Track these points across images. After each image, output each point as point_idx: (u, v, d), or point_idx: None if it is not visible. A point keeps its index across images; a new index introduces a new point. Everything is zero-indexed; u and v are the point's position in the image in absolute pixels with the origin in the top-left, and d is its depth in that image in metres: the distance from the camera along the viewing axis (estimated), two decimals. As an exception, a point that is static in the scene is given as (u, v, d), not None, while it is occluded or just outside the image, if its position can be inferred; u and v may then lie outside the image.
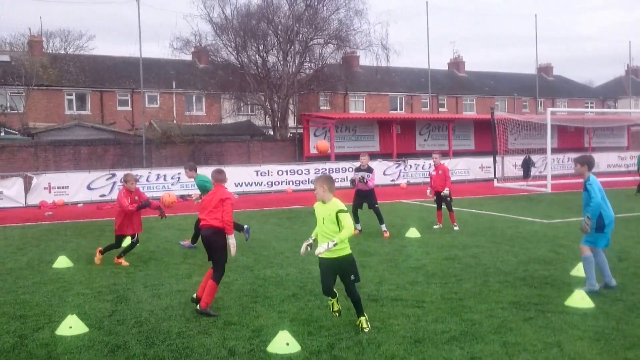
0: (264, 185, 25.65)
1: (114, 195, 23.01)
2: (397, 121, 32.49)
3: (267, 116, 35.36)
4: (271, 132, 34.96)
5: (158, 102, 46.22)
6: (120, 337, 6.96)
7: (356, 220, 14.08)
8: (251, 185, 25.33)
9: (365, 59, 50.29)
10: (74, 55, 49.73)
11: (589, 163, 8.81)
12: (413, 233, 13.95)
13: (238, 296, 8.84)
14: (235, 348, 6.62)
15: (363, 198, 14.27)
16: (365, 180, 14.10)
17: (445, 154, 32.24)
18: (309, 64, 35.47)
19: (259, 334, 7.02)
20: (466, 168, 30.11)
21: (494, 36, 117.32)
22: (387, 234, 13.92)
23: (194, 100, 46.83)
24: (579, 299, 8.05)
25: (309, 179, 26.57)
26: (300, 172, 26.55)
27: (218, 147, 29.31)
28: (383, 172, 28.02)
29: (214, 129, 35.51)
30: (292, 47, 33.71)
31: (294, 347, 6.49)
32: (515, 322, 7.35)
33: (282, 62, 33.75)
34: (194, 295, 8.22)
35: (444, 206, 15.02)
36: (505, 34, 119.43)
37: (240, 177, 25.37)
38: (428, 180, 29.02)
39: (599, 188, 8.61)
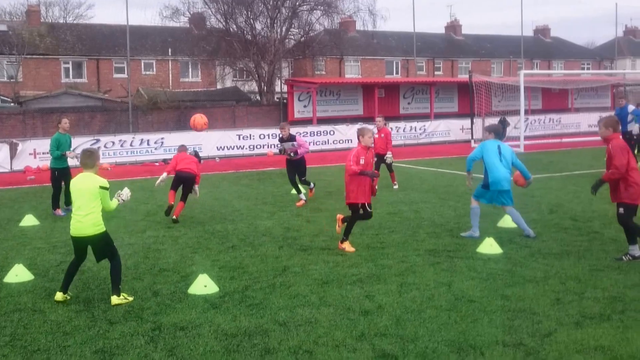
0: (246, 148, 26.28)
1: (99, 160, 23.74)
2: (380, 85, 32.88)
3: (255, 82, 35.81)
4: (260, 98, 35.45)
5: (154, 69, 46.68)
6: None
7: (297, 190, 13.55)
8: (233, 149, 25.95)
9: (359, 24, 50.72)
10: (71, 24, 50.07)
11: (495, 131, 9.64)
12: (369, 191, 14.64)
13: (181, 247, 9.60)
14: (160, 290, 7.39)
15: (294, 168, 13.65)
16: (290, 153, 13.44)
17: (426, 116, 32.75)
18: (297, 30, 35.71)
19: (186, 279, 7.78)
20: (447, 130, 30.62)
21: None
22: (300, 203, 13.21)
23: (190, 67, 47.28)
24: (488, 246, 8.78)
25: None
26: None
27: (203, 112, 29.74)
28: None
29: (200, 95, 36.01)
30: (279, 13, 34.00)
31: (212, 288, 7.25)
32: (422, 267, 8.09)
33: (269, 29, 34.05)
34: (174, 217, 11.49)
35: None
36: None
37: (223, 141, 26.00)
38: (409, 142, 29.99)
39: (485, 150, 9.65)
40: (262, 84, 34.47)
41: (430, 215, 11.72)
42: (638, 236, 8.15)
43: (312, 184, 14.16)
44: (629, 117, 17.52)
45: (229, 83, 43.17)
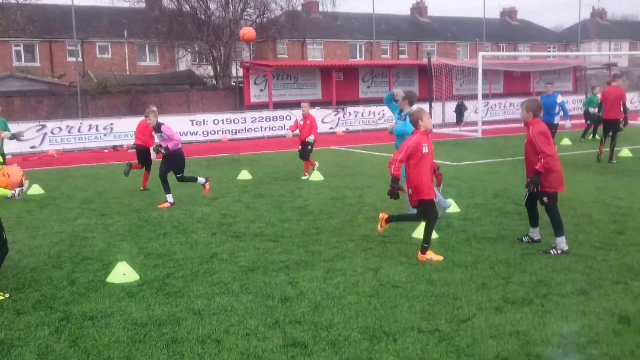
0: (200, 134, 25.83)
1: (45, 147, 23.13)
2: (338, 68, 32.63)
3: (210, 65, 35.25)
4: (215, 82, 34.90)
5: (110, 52, 45.60)
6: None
7: (166, 189, 11.58)
8: (187, 134, 25.45)
9: (322, 6, 50.34)
10: (22, 4, 48.50)
11: (409, 98, 9.66)
12: (316, 176, 14.42)
13: (111, 235, 9.26)
14: (78, 279, 7.06)
15: (167, 164, 11.62)
16: (160, 150, 11.58)
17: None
18: (253, 10, 35.18)
19: (108, 267, 7.46)
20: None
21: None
22: (164, 205, 11.41)
23: (147, 50, 46.29)
24: (418, 231, 8.62)
25: (245, 128, 26.85)
26: (236, 120, 26.77)
27: (156, 97, 29.27)
28: (321, 120, 28.33)
29: (152, 79, 35.30)
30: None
31: (131, 277, 6.96)
32: (353, 252, 7.91)
33: (223, 9, 33.45)
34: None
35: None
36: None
37: (176, 127, 25.33)
38: (368, 127, 29.81)
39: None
40: (218, 68, 33.93)
41: (373, 200, 11.55)
42: (534, 222, 8.08)
43: (202, 179, 12.00)
44: (556, 109, 16.66)
45: (186, 67, 42.48)
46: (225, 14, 33.43)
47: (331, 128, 28.36)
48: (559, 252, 7.55)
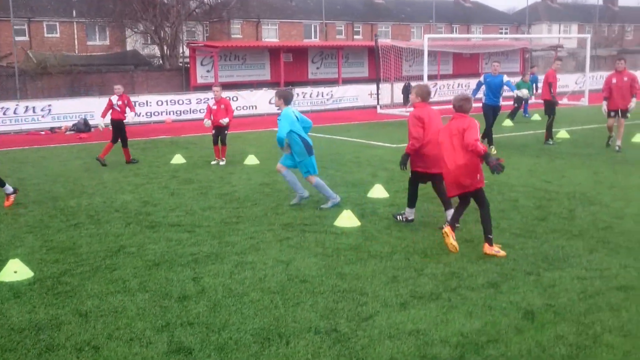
0: (143, 116, 24.99)
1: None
2: (286, 49, 32.04)
3: (157, 46, 34.29)
4: (162, 62, 33.96)
5: (58, 31, 44.06)
6: None
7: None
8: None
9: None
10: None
11: (284, 97, 9.13)
12: (251, 160, 14.03)
13: (19, 227, 8.73)
14: (-35, 278, 6.56)
15: None
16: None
17: (336, 82, 32.30)
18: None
19: (3, 264, 6.97)
20: (355, 95, 30.25)
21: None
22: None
23: (97, 30, 44.84)
24: (346, 219, 8.36)
25: (190, 109, 26.18)
26: (181, 102, 26.05)
27: (99, 78, 28.30)
28: (269, 101, 27.85)
29: (96, 59, 34.19)
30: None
31: (24, 274, 6.51)
32: (268, 243, 7.59)
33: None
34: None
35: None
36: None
37: (118, 108, 24.69)
38: (316, 108, 29.41)
39: (289, 121, 9.17)
40: (165, 48, 33.03)
41: (303, 185, 11.21)
42: (412, 203, 8.33)
43: (10, 189, 10.13)
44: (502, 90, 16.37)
45: (139, 47, 41.36)
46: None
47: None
48: (403, 219, 8.23)
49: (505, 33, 63.86)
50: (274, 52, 31.92)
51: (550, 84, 15.58)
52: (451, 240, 6.91)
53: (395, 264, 6.69)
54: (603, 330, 4.86)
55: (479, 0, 70.50)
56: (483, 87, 15.13)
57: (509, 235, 7.69)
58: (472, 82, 36.32)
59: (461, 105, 7.29)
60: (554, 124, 15.89)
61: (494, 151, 13.70)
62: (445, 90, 33.82)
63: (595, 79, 37.46)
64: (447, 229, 7.00)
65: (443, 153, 7.24)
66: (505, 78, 14.88)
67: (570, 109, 24.23)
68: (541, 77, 20.72)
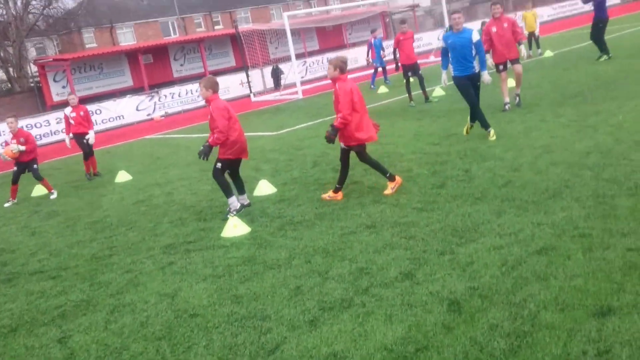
0: (-3, 147, 22.70)
1: None
2: (143, 50, 30.27)
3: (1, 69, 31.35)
4: (10, 86, 31.12)
5: None
6: None
7: None
8: (-20, 150, 22.27)
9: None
10: None
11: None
12: (123, 176, 12.74)
13: None
14: None
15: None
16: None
17: (201, 76, 30.94)
18: (37, 2, 31.59)
19: None
20: (225, 87, 29.05)
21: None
22: None
23: None
24: (232, 227, 7.45)
25: (51, 131, 24.05)
26: (38, 124, 23.83)
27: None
28: (136, 108, 26.17)
29: None
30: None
31: None
32: (149, 274, 6.55)
33: (3, 4, 29.65)
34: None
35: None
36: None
37: (-35, 144, 22.19)
38: (187, 107, 27.95)
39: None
40: (11, 70, 30.25)
41: (183, 196, 10.17)
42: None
43: None
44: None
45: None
46: (7, 10, 29.66)
47: (148, 115, 26.25)
48: (233, 212, 7.87)
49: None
50: (132, 56, 30.08)
51: (394, 50, 16.09)
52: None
53: (295, 271, 5.88)
54: (538, 308, 4.29)
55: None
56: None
57: (410, 210, 7.10)
58: (341, 54, 36.04)
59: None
60: (424, 82, 15.80)
61: (492, 137, 9.96)
62: (316, 67, 33.37)
63: (456, 33, 38.28)
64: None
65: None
66: (476, 35, 10.22)
67: (438, 65, 24.35)
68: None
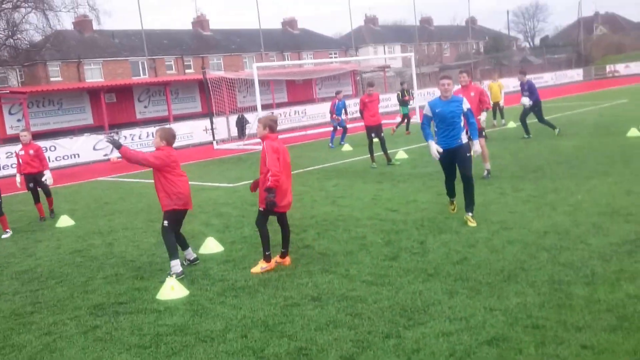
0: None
1: None
2: (107, 89, 29.78)
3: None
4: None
5: None
6: None
7: None
8: None
9: (96, 24, 46.74)
10: None
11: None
12: (65, 221, 12.08)
13: None
14: None
15: None
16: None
17: (165, 120, 30.55)
18: (4, 32, 31.02)
19: None
20: (189, 132, 28.71)
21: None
22: None
23: None
24: (169, 290, 6.94)
25: (0, 165, 23.18)
26: (-12, 159, 23.02)
27: None
28: (93, 147, 25.50)
29: None
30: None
31: None
32: (69, 339, 5.96)
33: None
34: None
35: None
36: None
37: None
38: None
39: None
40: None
41: (124, 248, 9.60)
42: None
43: None
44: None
45: None
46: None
47: (105, 155, 25.58)
48: (173, 275, 7.37)
49: (335, 57, 65.48)
50: (94, 93, 29.48)
51: (360, 111, 16.01)
52: None
53: (229, 346, 5.39)
54: (485, 414, 3.90)
55: (306, 27, 71.89)
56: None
57: (359, 284, 6.70)
58: (309, 108, 36.09)
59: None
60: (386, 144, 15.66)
61: (472, 223, 8.67)
62: (283, 119, 33.29)
63: (422, 96, 38.95)
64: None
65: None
66: (466, 103, 8.83)
67: (403, 127, 24.41)
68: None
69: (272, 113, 33.08)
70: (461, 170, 8.80)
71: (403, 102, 23.79)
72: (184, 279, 7.40)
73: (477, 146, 9.22)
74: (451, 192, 9.34)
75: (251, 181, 8.19)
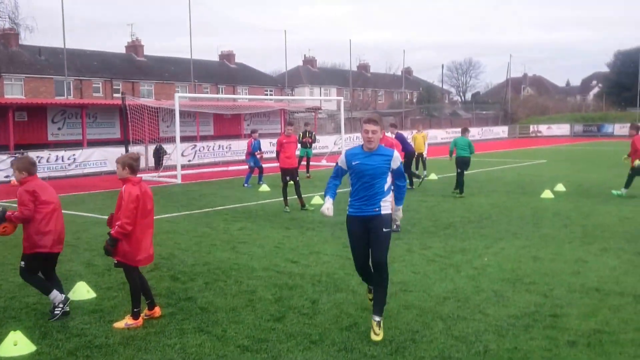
0: None
1: None
2: (17, 107, 28.13)
3: None
4: None
5: None
6: None
7: None
8: None
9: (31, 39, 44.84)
10: None
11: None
12: None
13: None
14: None
15: None
16: None
17: (79, 144, 29.08)
18: None
19: None
20: (103, 159, 27.32)
21: (178, 23, 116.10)
22: None
23: None
24: (11, 345, 5.97)
25: None
26: None
27: None
28: (-5, 171, 23.81)
29: None
30: None
31: None
32: None
33: None
34: None
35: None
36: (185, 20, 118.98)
37: None
38: (55, 175, 25.63)
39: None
40: None
41: (11, 288, 8.49)
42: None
43: None
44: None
45: None
46: None
47: (7, 177, 23.87)
48: (60, 306, 6.91)
49: (271, 94, 65.28)
50: (3, 110, 27.65)
51: (277, 152, 15.40)
52: None
53: None
54: None
55: (244, 62, 71.60)
56: None
57: (233, 349, 5.93)
58: (235, 143, 35.26)
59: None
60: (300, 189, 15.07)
61: (375, 336, 6.20)
62: (205, 152, 32.39)
63: (351, 140, 38.92)
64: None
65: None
66: (397, 160, 6.38)
67: (328, 170, 23.99)
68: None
69: (195, 146, 32.19)
70: (372, 252, 6.33)
71: (303, 144, 23.43)
72: (36, 330, 6.43)
73: (399, 213, 6.75)
74: (366, 277, 6.73)
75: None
